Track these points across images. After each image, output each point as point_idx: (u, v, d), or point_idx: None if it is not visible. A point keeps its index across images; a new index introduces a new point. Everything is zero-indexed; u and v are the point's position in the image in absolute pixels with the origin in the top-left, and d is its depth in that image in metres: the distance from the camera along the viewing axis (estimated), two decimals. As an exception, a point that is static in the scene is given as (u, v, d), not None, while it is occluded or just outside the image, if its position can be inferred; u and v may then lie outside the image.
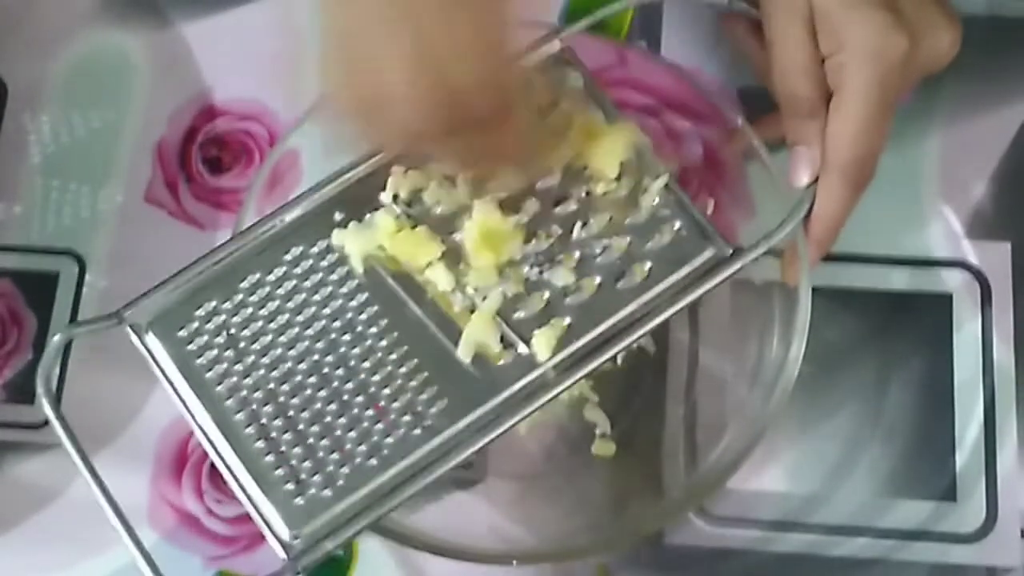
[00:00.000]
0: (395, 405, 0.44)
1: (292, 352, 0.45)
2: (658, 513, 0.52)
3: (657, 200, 0.47)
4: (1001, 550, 0.53)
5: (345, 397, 0.44)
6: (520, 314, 0.45)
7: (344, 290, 0.46)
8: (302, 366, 0.45)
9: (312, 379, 0.44)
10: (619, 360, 0.47)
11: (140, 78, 0.63)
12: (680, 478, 0.53)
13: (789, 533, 0.54)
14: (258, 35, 0.63)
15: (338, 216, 0.47)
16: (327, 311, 0.46)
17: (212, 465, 0.44)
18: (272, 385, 0.44)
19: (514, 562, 0.47)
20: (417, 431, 0.44)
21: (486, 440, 0.43)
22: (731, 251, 0.46)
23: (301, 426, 0.44)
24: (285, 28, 0.63)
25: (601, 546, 0.50)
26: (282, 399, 0.44)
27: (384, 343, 0.45)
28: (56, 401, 0.44)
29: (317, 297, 0.46)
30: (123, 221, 0.60)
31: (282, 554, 0.42)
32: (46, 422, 0.48)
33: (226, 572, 0.54)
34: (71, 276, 0.59)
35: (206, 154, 0.61)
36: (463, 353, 0.45)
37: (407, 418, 0.44)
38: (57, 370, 0.57)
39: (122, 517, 0.43)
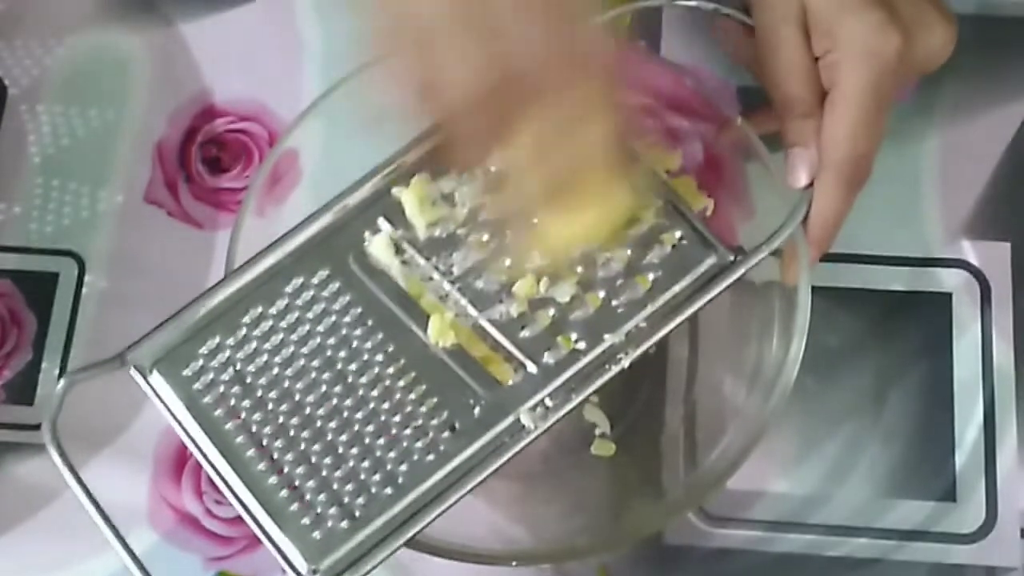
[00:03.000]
0: (406, 432, 0.44)
1: (299, 384, 0.45)
2: (658, 513, 0.52)
3: (656, 211, 0.47)
4: (1001, 550, 0.53)
5: (356, 427, 0.44)
6: (526, 333, 0.45)
7: (347, 319, 0.46)
8: (310, 398, 0.44)
9: (321, 410, 0.44)
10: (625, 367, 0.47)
11: (140, 78, 0.63)
12: (680, 478, 0.53)
13: (789, 533, 0.54)
14: (258, 34, 0.63)
15: (336, 244, 0.47)
16: (332, 341, 0.45)
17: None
18: (282, 419, 0.44)
19: (514, 563, 0.47)
20: (430, 457, 0.43)
21: (500, 463, 0.43)
22: (732, 257, 0.46)
23: (314, 458, 0.43)
24: (285, 28, 0.63)
25: (601, 547, 0.50)
26: (293, 432, 0.44)
27: (391, 370, 0.45)
28: (61, 448, 0.44)
29: (320, 328, 0.45)
30: (123, 221, 0.60)
31: None
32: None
33: (226, 573, 0.54)
34: (71, 276, 0.59)
35: (206, 154, 0.61)
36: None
37: (419, 445, 0.44)
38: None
39: (117, 532, 0.42)
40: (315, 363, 0.45)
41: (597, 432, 0.54)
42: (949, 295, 0.57)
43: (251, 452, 0.44)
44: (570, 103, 0.40)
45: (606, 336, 0.45)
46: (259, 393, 0.44)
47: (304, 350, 0.45)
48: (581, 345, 0.45)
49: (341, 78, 0.53)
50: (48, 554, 0.54)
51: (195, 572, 0.54)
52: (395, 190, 0.47)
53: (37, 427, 0.56)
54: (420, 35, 0.40)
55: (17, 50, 0.63)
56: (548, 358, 0.45)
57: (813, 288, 0.49)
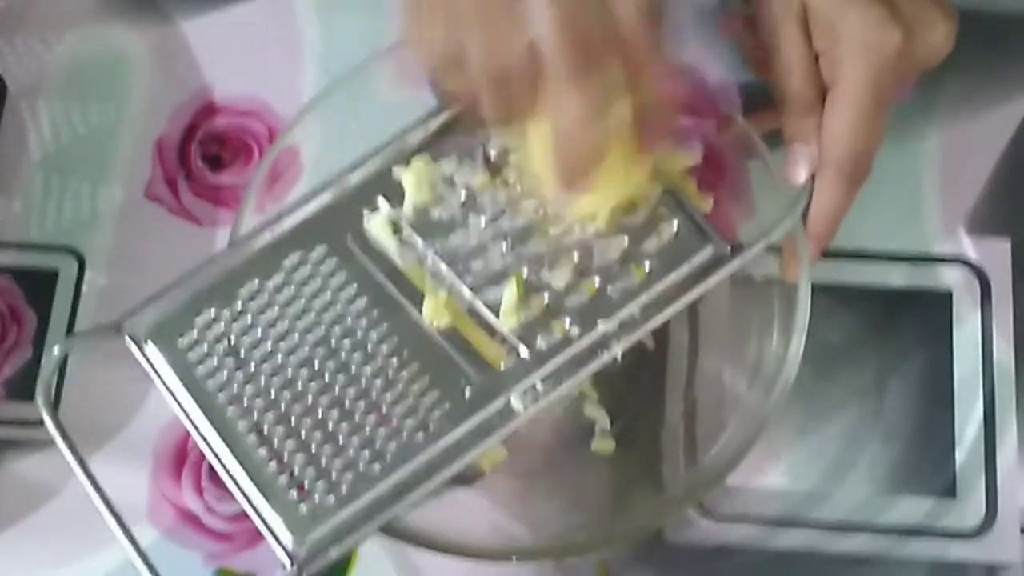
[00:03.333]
0: (397, 410, 0.44)
1: (293, 359, 0.45)
2: (658, 510, 0.52)
3: (654, 201, 0.47)
4: (1001, 547, 0.53)
5: (347, 403, 0.44)
6: (520, 317, 0.45)
7: (343, 296, 0.46)
8: (303, 373, 0.44)
9: (313, 385, 0.44)
10: (619, 358, 0.47)
11: (140, 75, 0.63)
12: (680, 475, 0.53)
13: (789, 530, 0.54)
14: (258, 32, 0.63)
15: (335, 222, 0.47)
16: (327, 317, 0.45)
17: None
18: (273, 393, 0.44)
19: (514, 559, 0.47)
20: (420, 436, 0.44)
21: (488, 443, 0.43)
22: (729, 249, 0.46)
23: (303, 433, 0.44)
24: (285, 24, 0.63)
25: (601, 543, 0.50)
26: (284, 406, 0.44)
27: (384, 348, 0.45)
28: (55, 410, 0.44)
29: (316, 303, 0.45)
30: (123, 218, 0.60)
31: (287, 562, 0.42)
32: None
33: (226, 570, 0.54)
34: (71, 273, 0.59)
35: (206, 151, 0.61)
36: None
37: (409, 423, 0.44)
38: (56, 375, 0.57)
39: (122, 523, 0.42)
40: (309, 339, 0.45)
41: (597, 429, 0.54)
42: (949, 292, 0.57)
43: (242, 425, 0.44)
44: (596, 83, 0.40)
45: (599, 323, 0.45)
46: (252, 367, 0.45)
47: (299, 326, 0.45)
48: (574, 331, 0.45)
49: (341, 75, 0.53)
50: (48, 551, 0.54)
51: (195, 569, 0.54)
52: (395, 170, 0.48)
53: (37, 424, 0.56)
54: (449, 7, 0.40)
55: (17, 47, 0.63)
56: (541, 343, 0.45)
57: (813, 285, 0.49)
